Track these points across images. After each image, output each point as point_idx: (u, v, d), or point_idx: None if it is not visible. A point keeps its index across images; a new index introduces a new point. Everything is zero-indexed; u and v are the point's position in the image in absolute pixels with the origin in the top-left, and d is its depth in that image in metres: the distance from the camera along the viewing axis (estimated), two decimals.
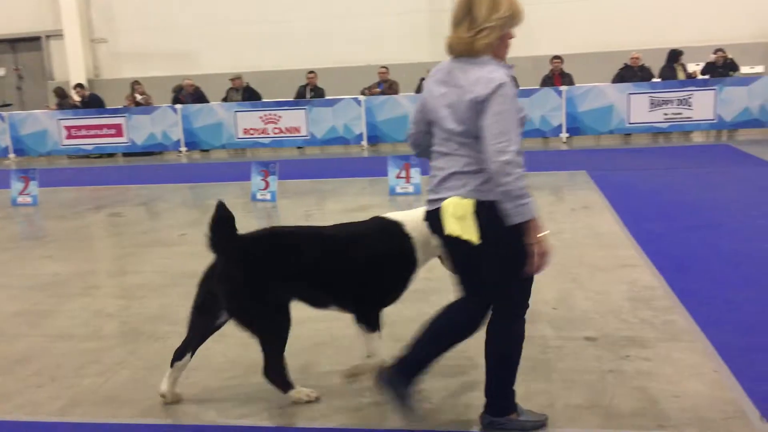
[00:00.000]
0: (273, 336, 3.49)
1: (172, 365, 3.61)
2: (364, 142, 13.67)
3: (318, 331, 4.51)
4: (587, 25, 16.48)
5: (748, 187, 8.51)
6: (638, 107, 12.65)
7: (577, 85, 13.54)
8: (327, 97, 14.55)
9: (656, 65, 13.94)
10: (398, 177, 8.82)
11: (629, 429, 3.20)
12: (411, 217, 3.59)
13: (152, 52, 18.27)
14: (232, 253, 3.44)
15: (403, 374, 3.18)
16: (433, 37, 17.36)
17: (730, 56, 13.56)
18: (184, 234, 7.50)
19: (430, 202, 3.13)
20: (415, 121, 3.27)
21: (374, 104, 13.63)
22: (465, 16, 2.98)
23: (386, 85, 14.46)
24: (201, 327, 3.63)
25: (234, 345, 4.38)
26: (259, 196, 8.94)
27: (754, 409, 3.26)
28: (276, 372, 3.52)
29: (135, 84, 15.95)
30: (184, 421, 3.49)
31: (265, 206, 8.76)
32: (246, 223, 7.88)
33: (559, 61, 14.01)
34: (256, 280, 3.40)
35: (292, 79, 15.40)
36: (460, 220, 2.95)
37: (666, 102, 12.56)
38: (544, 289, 5.05)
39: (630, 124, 12.78)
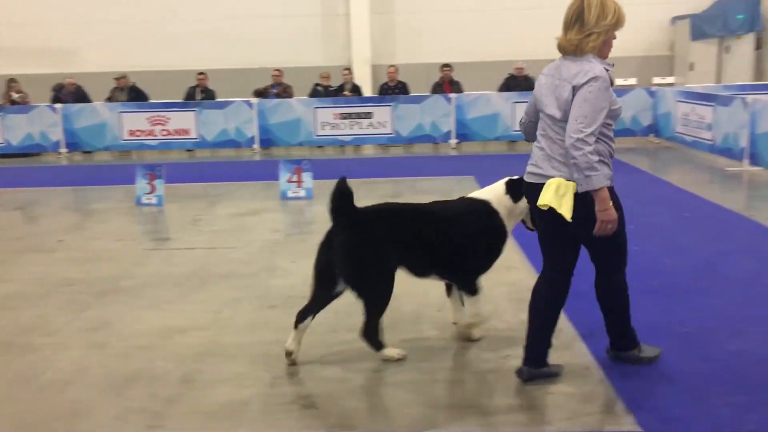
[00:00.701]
0: (378, 301, 3.90)
1: (296, 327, 3.98)
2: (256, 146, 13.50)
3: (203, 339, 4.44)
4: (475, 35, 17.02)
5: (623, 193, 9.04)
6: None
7: (465, 93, 13.94)
8: (218, 99, 14.27)
9: (539, 74, 14.53)
10: (290, 181, 8.77)
11: (506, 426, 3.34)
12: (494, 194, 4.16)
13: (30, 48, 17.29)
14: (351, 223, 3.86)
15: (534, 363, 3.69)
16: (326, 41, 17.43)
17: None
18: (62, 240, 7.16)
19: (532, 174, 3.62)
20: (527, 112, 3.82)
21: (267, 107, 13.49)
22: (576, 21, 3.47)
23: (280, 88, 14.35)
24: (322, 293, 3.99)
25: (112, 356, 4.24)
26: (144, 200, 8.65)
27: (620, 403, 3.48)
28: (372, 333, 3.92)
29: (11, 81, 15.03)
30: None
31: (150, 211, 8.49)
32: (129, 229, 7.72)
33: (448, 69, 14.37)
34: (371, 248, 3.84)
35: (182, 80, 14.99)
36: (561, 197, 3.42)
37: None
38: (430, 293, 5.18)
39: (515, 131, 13.24)
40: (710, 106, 11.13)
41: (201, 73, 14.59)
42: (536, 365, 3.74)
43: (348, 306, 4.92)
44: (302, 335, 4.01)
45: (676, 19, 16.87)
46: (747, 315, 4.57)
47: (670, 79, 16.20)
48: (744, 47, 16.77)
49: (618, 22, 3.49)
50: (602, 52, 3.51)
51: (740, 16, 16.45)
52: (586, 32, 3.44)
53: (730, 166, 10.15)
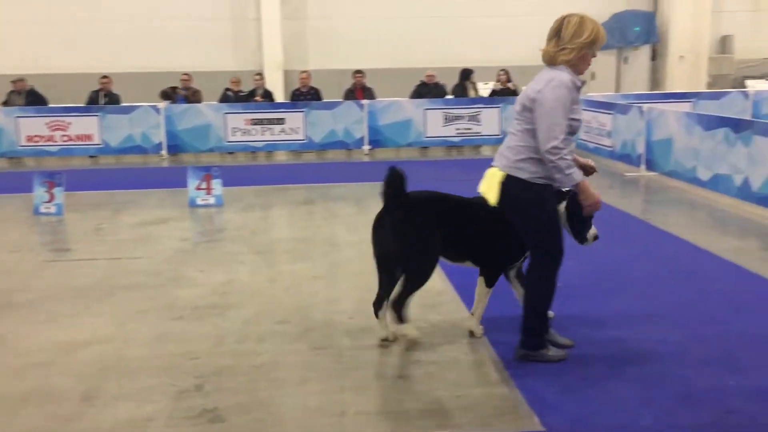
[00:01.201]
0: (419, 278, 4.16)
1: (378, 317, 4.32)
2: (164, 152, 13.12)
3: (103, 354, 4.26)
4: (387, 42, 17.17)
5: None
6: (433, 122, 13.35)
7: (378, 99, 14.03)
8: (123, 104, 13.78)
9: (450, 82, 14.84)
10: (199, 188, 8.56)
11: (416, 431, 3.36)
12: None
13: None
14: (398, 205, 4.14)
15: (529, 344, 4.00)
16: (237, 45, 17.16)
17: (512, 78, 14.79)
18: None
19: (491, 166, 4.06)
20: None
21: (175, 113, 13.13)
22: (554, 35, 3.81)
23: (189, 92, 14.00)
24: (386, 277, 4.24)
25: (7, 374, 4.02)
26: (42, 209, 8.24)
27: (524, 403, 3.57)
28: (400, 305, 4.16)
29: None
30: None
31: (49, 220, 8.10)
32: (26, 240, 7.34)
33: (361, 75, 14.41)
34: (416, 227, 4.12)
35: (84, 84, 14.39)
36: (489, 184, 3.93)
37: (458, 118, 13.39)
38: (342, 300, 5.18)
39: (426, 137, 13.46)
40: (610, 114, 11.63)
41: (104, 77, 14.06)
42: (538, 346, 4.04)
43: (258, 315, 4.87)
44: (386, 320, 4.32)
45: None
46: (646, 314, 4.78)
47: None
48: (641, 58, 17.66)
49: (594, 42, 3.78)
50: (577, 66, 3.82)
51: (637, 28, 17.31)
52: (561, 46, 3.77)
53: (629, 172, 10.63)
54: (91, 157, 13.37)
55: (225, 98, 14.05)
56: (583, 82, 3.89)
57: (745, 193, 7.97)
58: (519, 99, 3.92)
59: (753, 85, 16.19)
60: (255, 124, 13.21)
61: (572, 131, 3.80)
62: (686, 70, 17.35)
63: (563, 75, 3.77)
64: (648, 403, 3.55)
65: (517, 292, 4.48)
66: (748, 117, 12.12)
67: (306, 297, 5.26)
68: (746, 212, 7.86)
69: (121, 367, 4.07)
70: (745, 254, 6.19)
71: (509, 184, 3.85)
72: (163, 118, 13.02)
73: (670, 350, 4.18)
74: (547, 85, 3.73)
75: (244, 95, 14.15)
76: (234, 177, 10.68)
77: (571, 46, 3.76)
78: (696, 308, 4.88)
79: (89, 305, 5.15)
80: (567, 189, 3.93)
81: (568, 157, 3.71)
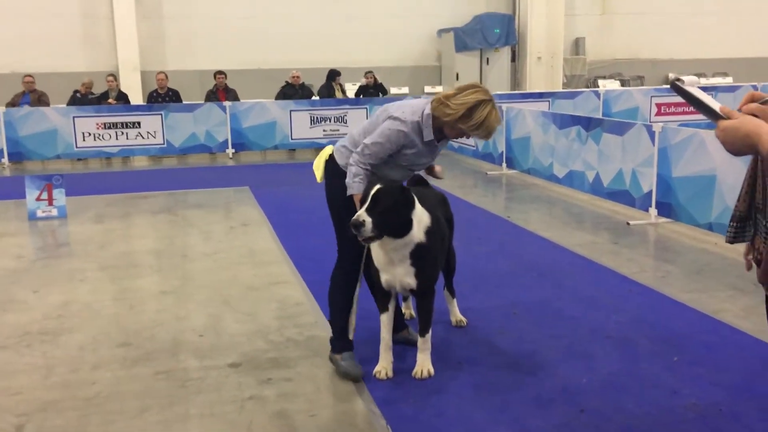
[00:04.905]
0: None
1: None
2: (5, 160, 12.03)
3: None
4: (249, 42, 16.68)
5: None
6: (300, 123, 13.09)
7: (241, 101, 13.59)
8: None
9: (317, 84, 14.64)
10: (39, 199, 7.85)
11: None
12: None
13: None
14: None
15: (332, 350, 3.95)
16: (87, 45, 16.09)
17: (379, 79, 14.81)
18: None
19: None
20: None
21: (16, 117, 12.07)
22: (458, 91, 3.70)
23: (33, 96, 12.93)
24: None
25: None
26: None
27: (380, 417, 3.41)
28: None
29: None
30: None
31: None
32: None
33: (222, 76, 13.91)
34: None
35: None
36: (319, 161, 3.98)
37: (324, 119, 13.20)
38: (192, 316, 4.85)
39: (293, 139, 13.18)
40: None
41: None
42: (333, 349, 3.95)
43: (96, 339, 4.44)
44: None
45: (441, 31, 17.85)
46: (503, 312, 4.77)
47: (439, 89, 17.10)
48: (502, 59, 18.19)
49: (482, 132, 3.73)
50: (446, 130, 3.73)
51: (497, 30, 17.81)
52: (449, 102, 3.63)
53: (491, 170, 10.84)
54: None
55: (73, 101, 13.11)
56: (439, 141, 3.80)
57: (596, 188, 8.29)
58: (383, 108, 3.83)
59: (603, 85, 17.10)
60: (108, 128, 12.41)
61: (402, 162, 3.78)
62: (543, 71, 18.05)
63: (411, 119, 3.66)
64: (504, 408, 3.48)
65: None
66: (599, 115, 12.75)
67: (152, 315, 4.87)
68: (598, 207, 8.17)
69: None
70: (597, 248, 6.39)
71: (329, 163, 3.93)
72: (2, 123, 11.95)
73: (526, 349, 4.17)
74: (401, 113, 3.68)
75: (95, 97, 13.27)
76: (84, 185, 9.97)
77: (455, 110, 3.62)
78: (551, 305, 4.93)
79: None
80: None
81: (362, 172, 3.67)
